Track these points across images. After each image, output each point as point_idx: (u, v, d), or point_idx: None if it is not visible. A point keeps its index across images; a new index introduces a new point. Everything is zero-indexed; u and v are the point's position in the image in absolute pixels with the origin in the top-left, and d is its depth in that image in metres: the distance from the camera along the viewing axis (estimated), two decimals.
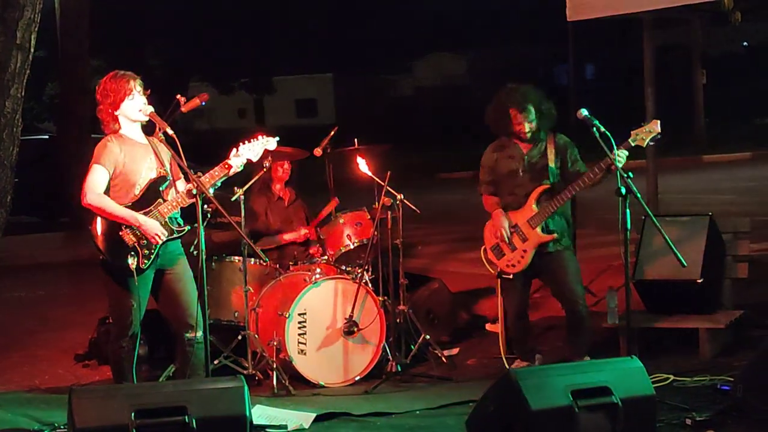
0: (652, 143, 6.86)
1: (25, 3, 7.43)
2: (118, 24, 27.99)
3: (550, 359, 7.54)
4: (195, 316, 6.40)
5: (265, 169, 7.90)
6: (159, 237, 6.28)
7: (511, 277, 7.35)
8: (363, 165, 7.95)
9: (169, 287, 6.48)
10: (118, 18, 27.28)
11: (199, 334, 6.39)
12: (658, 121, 6.87)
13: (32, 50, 7.52)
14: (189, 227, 6.45)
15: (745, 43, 43.33)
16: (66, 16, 17.67)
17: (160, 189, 6.40)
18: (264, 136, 6.61)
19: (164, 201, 6.38)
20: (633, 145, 6.81)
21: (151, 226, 6.28)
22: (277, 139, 6.69)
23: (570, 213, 7.45)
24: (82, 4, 17.67)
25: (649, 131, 6.80)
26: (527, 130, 7.26)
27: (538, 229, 7.22)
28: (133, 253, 6.24)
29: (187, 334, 6.45)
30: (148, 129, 6.45)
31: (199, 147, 19.16)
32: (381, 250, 7.93)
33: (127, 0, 28.87)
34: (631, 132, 6.82)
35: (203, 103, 6.65)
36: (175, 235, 6.42)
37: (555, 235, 7.23)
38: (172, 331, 6.58)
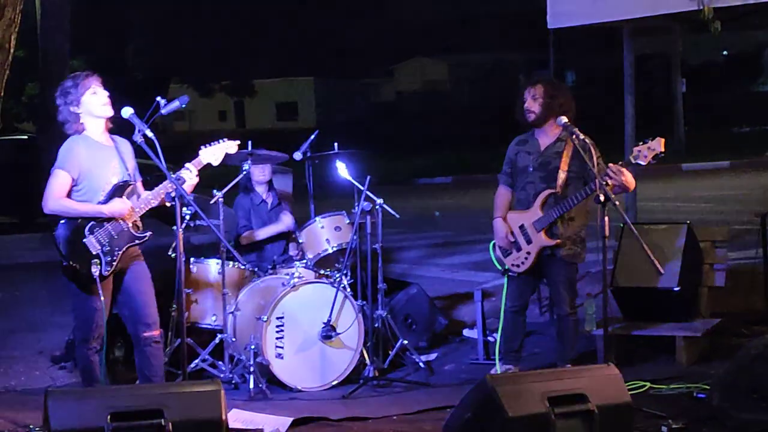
0: (654, 161, 6.57)
1: (6, 3, 7.39)
2: (99, 25, 27.87)
3: (527, 365, 7.54)
4: (153, 315, 6.40)
5: (244, 172, 7.94)
6: (131, 209, 6.28)
7: (516, 275, 7.27)
8: (343, 169, 7.95)
9: (127, 288, 6.45)
10: (98, 19, 27.17)
11: (157, 333, 6.37)
12: (663, 140, 6.57)
13: (12, 50, 7.48)
14: (150, 233, 6.43)
15: (724, 52, 43.63)
16: (47, 17, 17.57)
17: (124, 194, 6.37)
18: (225, 140, 6.63)
19: None
20: (633, 162, 6.60)
21: (118, 208, 6.27)
22: (237, 142, 6.74)
23: (583, 220, 7.19)
24: (63, 4, 17.59)
25: (652, 149, 6.54)
26: (530, 107, 7.11)
27: (543, 233, 7.10)
28: (96, 260, 6.21)
29: (145, 333, 6.43)
30: (127, 131, 6.42)
31: (179, 149, 19.10)
32: (360, 255, 7.94)
33: (108, 1, 28.78)
34: (633, 149, 6.64)
35: (183, 105, 6.66)
36: (136, 242, 6.40)
37: (559, 240, 7.06)
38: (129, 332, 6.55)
